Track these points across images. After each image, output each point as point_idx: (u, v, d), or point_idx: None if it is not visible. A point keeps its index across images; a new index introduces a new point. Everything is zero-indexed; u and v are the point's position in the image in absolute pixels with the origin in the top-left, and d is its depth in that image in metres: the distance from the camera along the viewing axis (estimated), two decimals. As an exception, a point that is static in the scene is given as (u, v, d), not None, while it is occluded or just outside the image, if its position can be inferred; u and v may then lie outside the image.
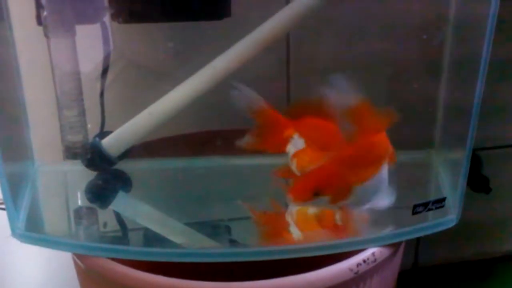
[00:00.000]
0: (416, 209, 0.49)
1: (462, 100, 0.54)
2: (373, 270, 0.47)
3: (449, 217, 0.51)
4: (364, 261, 0.46)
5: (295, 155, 0.49)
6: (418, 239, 0.82)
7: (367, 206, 0.47)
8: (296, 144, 0.50)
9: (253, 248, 0.50)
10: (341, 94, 0.44)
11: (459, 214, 0.52)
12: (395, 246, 0.49)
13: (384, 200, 0.47)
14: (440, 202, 0.50)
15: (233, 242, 0.54)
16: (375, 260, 0.47)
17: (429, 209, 0.50)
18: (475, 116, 0.48)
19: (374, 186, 0.46)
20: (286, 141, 0.50)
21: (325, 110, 0.44)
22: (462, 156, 0.50)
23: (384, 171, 0.46)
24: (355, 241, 0.48)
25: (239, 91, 0.49)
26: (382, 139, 0.46)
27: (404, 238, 0.50)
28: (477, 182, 0.74)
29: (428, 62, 0.60)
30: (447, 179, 0.56)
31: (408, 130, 0.59)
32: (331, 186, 0.44)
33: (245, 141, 0.49)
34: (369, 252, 0.47)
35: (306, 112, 0.48)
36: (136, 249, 0.50)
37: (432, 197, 0.51)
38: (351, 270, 0.45)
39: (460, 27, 0.55)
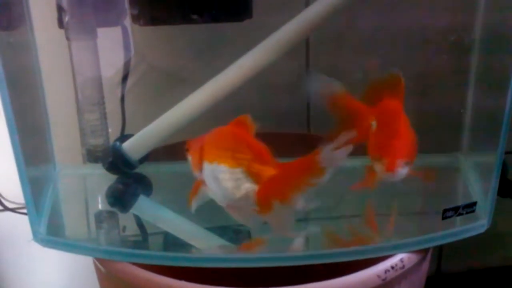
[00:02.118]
0: (446, 214, 0.48)
1: (492, 103, 0.53)
2: (401, 276, 0.46)
3: (480, 223, 0.50)
4: (392, 267, 0.45)
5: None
6: (441, 245, 0.80)
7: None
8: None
9: (276, 254, 0.49)
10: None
11: (490, 220, 0.50)
12: (423, 252, 0.48)
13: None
14: (470, 207, 0.49)
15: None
16: (403, 266, 0.46)
17: (459, 214, 0.48)
18: (507, 120, 0.47)
19: (217, 174, 0.45)
20: (367, 129, 0.50)
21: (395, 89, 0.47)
22: (492, 160, 0.49)
23: None
24: (383, 246, 0.47)
25: (316, 75, 0.49)
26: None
27: (433, 244, 0.49)
28: (504, 187, 0.72)
29: (457, 65, 0.59)
30: (477, 184, 0.55)
31: (436, 133, 0.58)
32: (193, 150, 0.47)
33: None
34: (397, 258, 0.46)
35: (380, 96, 0.49)
36: (157, 254, 0.49)
37: (461, 202, 0.50)
38: (379, 276, 0.44)
39: (490, 30, 0.54)
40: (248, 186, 0.44)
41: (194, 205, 0.48)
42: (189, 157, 0.48)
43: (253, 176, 0.44)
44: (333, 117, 0.50)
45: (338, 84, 0.50)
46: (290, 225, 0.44)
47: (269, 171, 0.43)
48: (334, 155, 0.40)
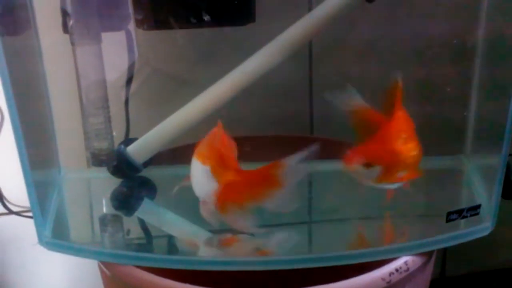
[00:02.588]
0: (450, 217, 0.48)
1: (495, 105, 0.53)
2: (405, 279, 0.46)
3: (484, 225, 0.50)
4: (397, 270, 0.45)
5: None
6: (445, 248, 0.80)
7: None
8: None
9: (279, 257, 0.49)
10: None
11: (494, 222, 0.50)
12: (427, 255, 0.48)
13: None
14: (475, 210, 0.49)
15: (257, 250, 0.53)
16: (407, 269, 0.45)
17: (464, 217, 0.48)
18: (511, 122, 0.46)
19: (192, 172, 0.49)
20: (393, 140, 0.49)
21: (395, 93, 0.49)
22: (495, 162, 0.49)
23: None
24: (388, 249, 0.47)
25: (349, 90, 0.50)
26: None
27: (437, 247, 0.48)
28: (508, 189, 0.72)
29: (460, 67, 0.59)
30: (481, 186, 0.55)
31: (440, 136, 0.58)
32: None
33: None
34: (401, 261, 0.46)
35: (392, 105, 0.50)
36: (162, 257, 0.49)
37: (465, 204, 0.50)
38: (383, 279, 0.44)
39: (494, 34, 0.54)
40: (214, 185, 0.46)
41: (176, 188, 0.52)
42: None
43: (216, 176, 0.46)
44: (356, 130, 0.51)
45: (359, 97, 0.50)
46: (246, 225, 0.46)
47: (229, 176, 0.45)
48: (294, 169, 0.41)
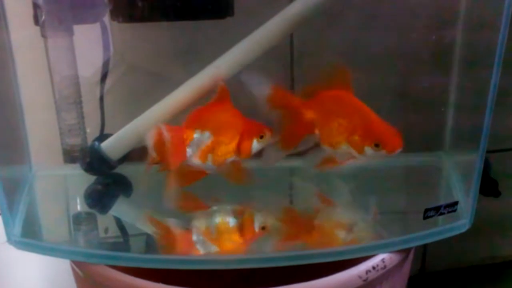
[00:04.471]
0: (427, 214, 0.48)
1: (473, 102, 0.53)
2: (382, 277, 0.45)
3: (461, 222, 0.50)
4: (374, 267, 0.45)
5: None
6: (425, 244, 0.80)
7: None
8: None
9: (257, 255, 0.48)
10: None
11: (472, 219, 0.50)
12: (405, 252, 0.47)
13: None
14: (452, 206, 0.49)
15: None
16: (384, 266, 0.45)
17: (441, 214, 0.48)
18: (489, 119, 0.46)
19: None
20: (311, 125, 0.51)
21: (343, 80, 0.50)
22: (473, 159, 0.49)
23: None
24: (364, 247, 0.47)
25: (250, 76, 0.51)
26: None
27: (414, 244, 0.48)
28: (486, 185, 0.72)
29: (438, 62, 0.59)
30: (459, 183, 0.55)
31: (418, 132, 0.57)
32: None
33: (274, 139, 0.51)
34: (378, 259, 0.45)
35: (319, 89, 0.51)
36: (136, 256, 0.48)
37: (443, 201, 0.50)
38: (360, 277, 0.44)
39: (472, 26, 0.54)
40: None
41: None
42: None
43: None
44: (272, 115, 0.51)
45: (272, 81, 0.51)
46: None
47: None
48: None
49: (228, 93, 0.51)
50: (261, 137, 0.51)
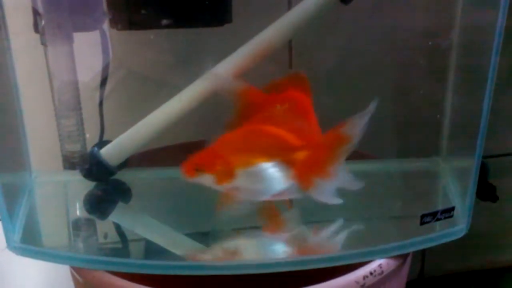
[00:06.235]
0: (424, 219, 0.48)
1: (469, 107, 0.53)
2: (380, 282, 0.46)
3: (458, 227, 0.50)
4: (371, 273, 0.45)
5: None
6: (424, 249, 0.80)
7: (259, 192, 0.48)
8: None
9: (255, 261, 0.48)
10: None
11: (469, 224, 0.50)
12: (402, 258, 0.48)
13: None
14: (449, 212, 0.49)
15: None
16: (382, 272, 0.45)
17: (438, 219, 0.48)
18: (485, 124, 0.47)
19: (259, 174, 0.47)
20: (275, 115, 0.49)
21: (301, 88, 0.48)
22: (470, 164, 0.49)
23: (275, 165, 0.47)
24: (362, 252, 0.47)
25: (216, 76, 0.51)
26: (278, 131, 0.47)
27: (411, 249, 0.48)
28: (484, 190, 0.72)
29: (435, 69, 0.59)
30: (455, 188, 0.55)
31: (414, 138, 0.58)
32: (212, 165, 0.46)
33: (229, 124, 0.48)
34: (375, 264, 0.46)
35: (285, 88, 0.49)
36: (136, 262, 0.48)
37: (440, 206, 0.50)
38: (357, 283, 0.44)
39: (468, 35, 0.54)
40: (289, 174, 0.46)
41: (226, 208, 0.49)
42: (206, 175, 0.47)
43: (288, 162, 0.46)
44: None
45: (237, 80, 0.50)
46: (330, 196, 0.47)
47: (301, 154, 0.46)
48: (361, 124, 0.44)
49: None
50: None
